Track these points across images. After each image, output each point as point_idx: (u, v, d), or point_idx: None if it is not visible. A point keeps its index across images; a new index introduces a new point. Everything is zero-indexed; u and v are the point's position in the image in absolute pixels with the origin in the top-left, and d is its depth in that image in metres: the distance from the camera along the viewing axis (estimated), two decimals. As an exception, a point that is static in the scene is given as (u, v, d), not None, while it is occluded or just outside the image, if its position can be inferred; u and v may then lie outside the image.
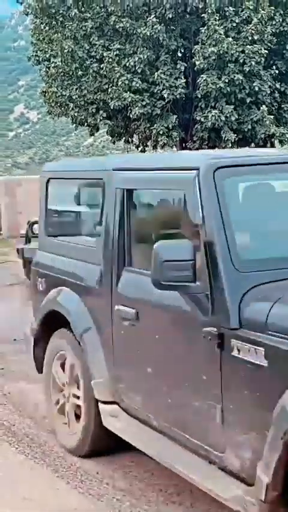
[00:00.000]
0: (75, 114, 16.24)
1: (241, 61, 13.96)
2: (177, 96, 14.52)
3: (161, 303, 3.03)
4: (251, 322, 2.56)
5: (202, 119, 14.64)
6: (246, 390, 2.54)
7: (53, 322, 4.04)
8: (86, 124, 16.64)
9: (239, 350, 2.55)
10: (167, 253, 2.71)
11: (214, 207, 2.75)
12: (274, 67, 14.76)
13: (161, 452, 3.09)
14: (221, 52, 13.83)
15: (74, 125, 17.14)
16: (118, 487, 3.49)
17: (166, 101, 14.71)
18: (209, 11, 13.79)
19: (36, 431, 4.37)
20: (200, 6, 14.13)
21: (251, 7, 13.94)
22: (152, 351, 3.18)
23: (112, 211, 3.50)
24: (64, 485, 3.59)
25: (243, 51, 13.92)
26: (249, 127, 14.67)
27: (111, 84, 14.76)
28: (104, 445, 3.77)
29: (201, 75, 14.21)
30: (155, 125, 15.08)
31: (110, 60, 14.62)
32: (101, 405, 3.57)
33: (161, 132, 15.04)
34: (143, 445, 3.25)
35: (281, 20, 14.55)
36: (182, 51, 15.46)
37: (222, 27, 13.91)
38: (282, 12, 14.60)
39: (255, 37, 13.89)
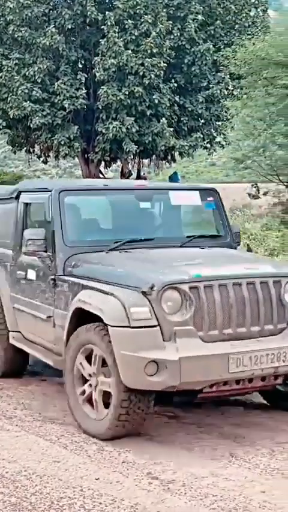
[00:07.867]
0: (-26, 123, 15.89)
1: (141, 73, 14.12)
2: (78, 107, 14.50)
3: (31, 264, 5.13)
4: (67, 272, 4.66)
5: (103, 130, 14.67)
6: (61, 305, 4.64)
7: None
8: (-15, 133, 16.32)
9: (61, 286, 4.64)
10: (30, 235, 4.83)
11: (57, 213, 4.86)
12: (173, 80, 15.02)
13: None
14: (121, 64, 13.94)
15: (-27, 134, 16.78)
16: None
17: (67, 111, 14.65)
18: (108, 23, 13.89)
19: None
20: (100, 18, 14.21)
21: (149, 21, 14.14)
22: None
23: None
24: None
25: (142, 64, 14.09)
26: (150, 139, 14.84)
27: (10, 93, 14.56)
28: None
29: (102, 87, 14.26)
30: (56, 135, 14.99)
31: (9, 69, 14.45)
32: None
33: (62, 143, 14.96)
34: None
35: (179, 34, 14.86)
36: (83, 62, 15.54)
37: (121, 39, 14.03)
38: (180, 26, 14.91)
39: (154, 50, 14.11)
